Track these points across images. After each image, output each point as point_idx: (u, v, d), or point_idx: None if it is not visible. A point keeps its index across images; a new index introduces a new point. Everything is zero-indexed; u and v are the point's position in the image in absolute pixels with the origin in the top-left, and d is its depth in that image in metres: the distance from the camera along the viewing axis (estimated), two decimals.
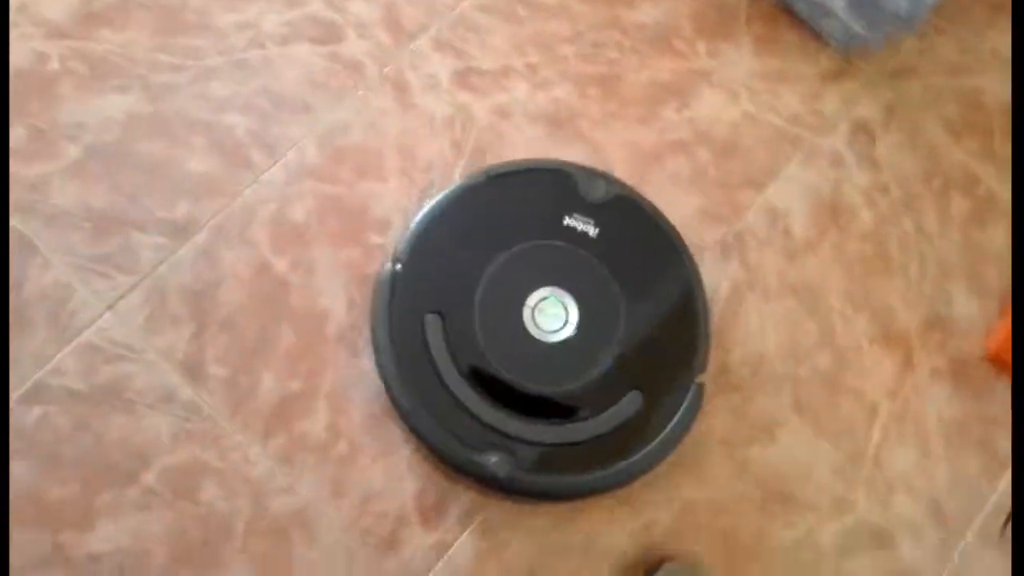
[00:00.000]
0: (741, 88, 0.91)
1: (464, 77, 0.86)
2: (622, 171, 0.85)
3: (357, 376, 0.75)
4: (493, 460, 0.67)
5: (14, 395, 0.71)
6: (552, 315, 0.71)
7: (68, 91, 0.79)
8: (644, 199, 0.77)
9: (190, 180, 0.79)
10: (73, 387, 0.72)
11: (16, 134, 0.77)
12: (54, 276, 0.74)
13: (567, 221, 0.74)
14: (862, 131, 0.92)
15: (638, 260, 0.74)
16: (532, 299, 0.71)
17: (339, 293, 0.77)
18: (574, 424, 0.69)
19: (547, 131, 0.85)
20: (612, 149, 0.86)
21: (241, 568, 0.70)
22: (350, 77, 0.84)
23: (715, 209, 0.86)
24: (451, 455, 0.68)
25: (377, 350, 0.69)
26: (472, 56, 0.87)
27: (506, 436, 0.68)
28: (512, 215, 0.74)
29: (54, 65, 0.80)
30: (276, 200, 0.79)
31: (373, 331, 0.70)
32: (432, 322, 0.69)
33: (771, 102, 0.91)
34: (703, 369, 0.73)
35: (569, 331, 0.71)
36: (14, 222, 0.75)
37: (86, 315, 0.74)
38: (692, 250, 0.81)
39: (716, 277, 0.83)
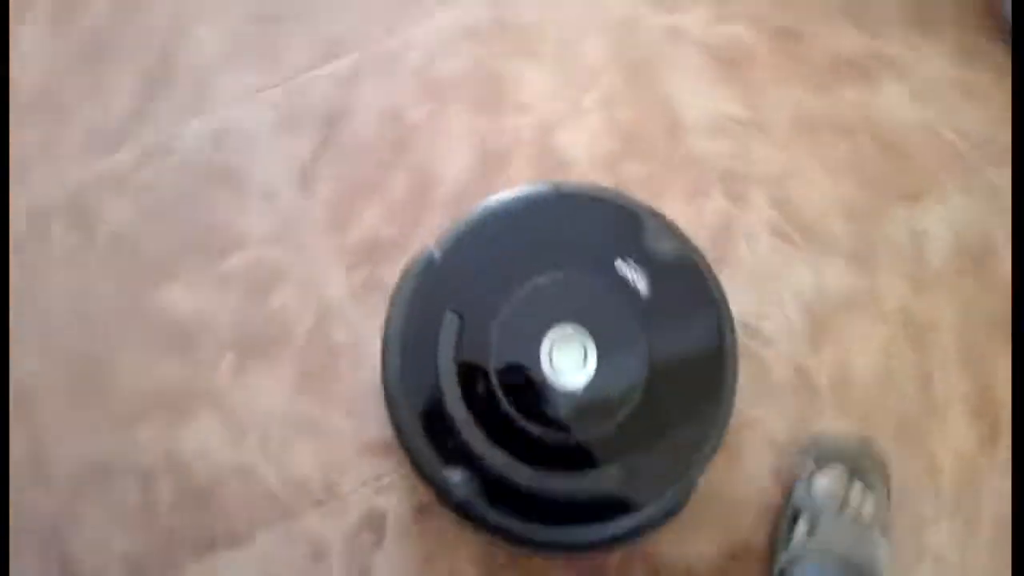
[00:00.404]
0: (926, 90, 0.85)
1: None
2: (777, 132, 0.82)
3: None
4: (455, 478, 0.62)
5: (135, 152, 0.76)
6: (570, 357, 0.65)
7: None
8: (709, 271, 0.69)
9: (356, 2, 0.80)
10: (193, 158, 0.76)
11: None
12: (207, 51, 0.78)
13: (620, 267, 0.66)
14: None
15: (679, 336, 0.66)
16: (556, 332, 0.66)
17: (459, 160, 0.78)
18: (547, 473, 0.63)
19: (712, 67, 0.82)
20: (773, 106, 0.82)
21: (288, 370, 0.73)
22: None
23: (856, 206, 0.81)
24: (418, 457, 0.64)
25: (388, 325, 0.66)
26: None
27: (477, 460, 0.63)
28: (568, 239, 0.68)
29: None
30: (430, 50, 0.80)
31: (391, 307, 0.66)
32: (450, 321, 0.65)
33: (952, 115, 0.84)
34: (700, 474, 0.66)
35: (581, 379, 0.65)
36: None
37: (224, 96, 0.77)
38: (816, 240, 0.77)
39: (833, 276, 0.80)
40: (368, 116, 0.78)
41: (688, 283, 0.67)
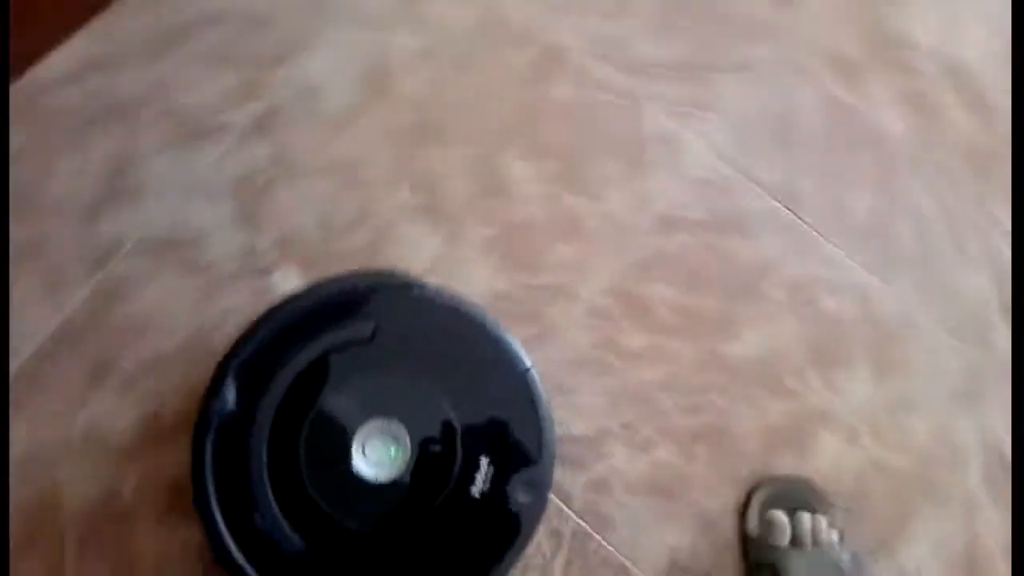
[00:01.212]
0: (862, 425, 0.82)
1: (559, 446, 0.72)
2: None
3: None
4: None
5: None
6: (380, 455, 0.66)
7: None
8: (528, 532, 0.67)
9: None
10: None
11: None
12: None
13: (483, 462, 0.66)
14: (1001, 463, 0.81)
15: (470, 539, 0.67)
16: (392, 432, 0.66)
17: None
18: (320, 544, 0.65)
19: (653, 503, 0.78)
20: (721, 516, 0.79)
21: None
22: None
23: None
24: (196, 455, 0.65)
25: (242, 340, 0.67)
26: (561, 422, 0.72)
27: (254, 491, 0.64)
28: (475, 408, 0.67)
29: None
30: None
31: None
32: (313, 366, 0.66)
33: (898, 439, 0.82)
34: None
35: (375, 475, 0.66)
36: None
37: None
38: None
39: None
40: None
41: (513, 529, 0.67)
